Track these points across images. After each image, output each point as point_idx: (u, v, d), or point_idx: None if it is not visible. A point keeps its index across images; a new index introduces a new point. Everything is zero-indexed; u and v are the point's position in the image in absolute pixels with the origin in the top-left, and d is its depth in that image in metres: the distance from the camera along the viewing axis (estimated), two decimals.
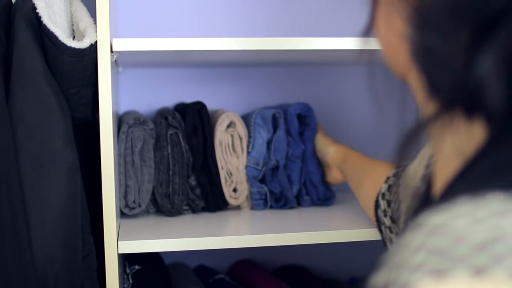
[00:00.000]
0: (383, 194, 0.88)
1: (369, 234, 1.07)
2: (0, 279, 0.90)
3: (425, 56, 0.37)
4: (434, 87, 0.37)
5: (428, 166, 0.57)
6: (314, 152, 1.32)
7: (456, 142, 0.38)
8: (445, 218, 0.30)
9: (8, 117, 0.92)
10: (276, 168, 1.29)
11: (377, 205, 0.90)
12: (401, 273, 0.28)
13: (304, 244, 1.08)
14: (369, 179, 1.01)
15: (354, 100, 1.53)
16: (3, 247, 0.90)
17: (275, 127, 1.29)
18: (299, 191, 1.31)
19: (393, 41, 0.43)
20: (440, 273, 0.26)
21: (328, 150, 1.26)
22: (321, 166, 1.32)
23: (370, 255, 1.35)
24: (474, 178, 0.33)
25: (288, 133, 1.30)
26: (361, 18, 0.49)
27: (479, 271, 0.26)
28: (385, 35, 0.44)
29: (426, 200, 0.48)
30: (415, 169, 0.67)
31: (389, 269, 0.30)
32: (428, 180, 0.52)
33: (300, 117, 1.32)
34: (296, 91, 1.50)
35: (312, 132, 1.31)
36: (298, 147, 1.30)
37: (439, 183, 0.42)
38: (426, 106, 0.41)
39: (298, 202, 1.32)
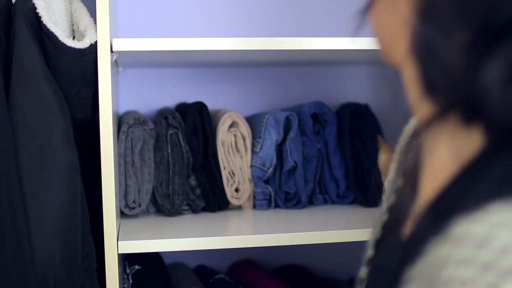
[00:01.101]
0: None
1: (370, 234, 1.07)
2: (0, 279, 0.90)
3: (425, 50, 0.34)
4: (430, 86, 0.35)
5: (402, 162, 0.55)
6: (338, 147, 1.33)
7: (453, 146, 0.36)
8: (484, 229, 0.29)
9: (8, 117, 0.92)
10: (293, 169, 1.30)
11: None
12: None
13: (304, 244, 1.08)
14: None
15: (354, 100, 1.53)
16: (3, 247, 0.90)
17: (287, 129, 1.30)
18: (313, 189, 1.32)
19: (394, 26, 0.40)
20: (490, 286, 0.26)
21: (380, 157, 1.26)
22: (345, 161, 1.33)
23: None
24: (494, 184, 0.31)
25: (303, 133, 1.31)
26: None
27: None
28: (387, 18, 0.41)
29: (408, 197, 0.46)
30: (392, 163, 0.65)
31: (421, 284, 0.29)
32: (407, 176, 0.50)
33: (316, 115, 1.33)
34: (296, 91, 1.50)
35: (332, 128, 1.32)
36: (314, 146, 1.31)
37: (430, 185, 0.40)
38: (419, 104, 0.39)
39: (311, 201, 1.33)
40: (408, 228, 0.43)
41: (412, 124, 0.58)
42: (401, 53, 0.39)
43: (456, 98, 0.33)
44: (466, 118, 0.34)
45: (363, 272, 0.52)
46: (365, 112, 1.36)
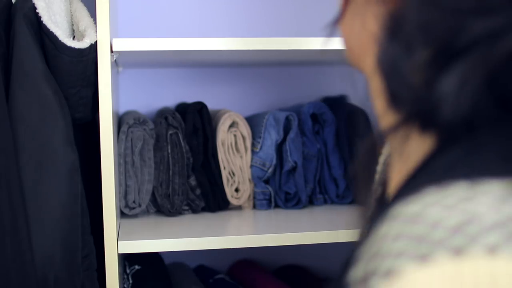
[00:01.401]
0: None
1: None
2: (0, 279, 0.90)
3: (390, 66, 0.37)
4: (394, 98, 0.38)
5: (382, 171, 0.59)
6: (337, 147, 1.33)
7: (410, 152, 0.40)
8: (418, 208, 0.32)
9: (8, 117, 0.92)
10: (293, 169, 1.30)
11: None
12: (382, 262, 0.30)
13: (304, 244, 1.08)
14: None
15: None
16: (3, 247, 0.90)
17: (287, 129, 1.30)
18: (313, 189, 1.32)
19: (363, 41, 0.43)
20: (422, 257, 0.29)
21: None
22: (344, 161, 1.33)
23: None
24: (433, 173, 0.35)
25: (302, 133, 1.31)
26: None
27: (458, 251, 0.28)
28: (356, 32, 0.45)
29: (381, 202, 0.49)
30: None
31: (366, 260, 0.32)
32: (382, 184, 0.55)
33: (315, 115, 1.33)
34: (296, 91, 1.50)
35: (331, 128, 1.32)
36: (314, 146, 1.31)
37: (391, 187, 0.43)
38: (384, 114, 0.42)
39: (311, 201, 1.33)
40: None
41: None
42: (369, 66, 0.43)
43: (415, 109, 0.36)
44: (422, 127, 0.37)
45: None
46: (360, 111, 1.36)
